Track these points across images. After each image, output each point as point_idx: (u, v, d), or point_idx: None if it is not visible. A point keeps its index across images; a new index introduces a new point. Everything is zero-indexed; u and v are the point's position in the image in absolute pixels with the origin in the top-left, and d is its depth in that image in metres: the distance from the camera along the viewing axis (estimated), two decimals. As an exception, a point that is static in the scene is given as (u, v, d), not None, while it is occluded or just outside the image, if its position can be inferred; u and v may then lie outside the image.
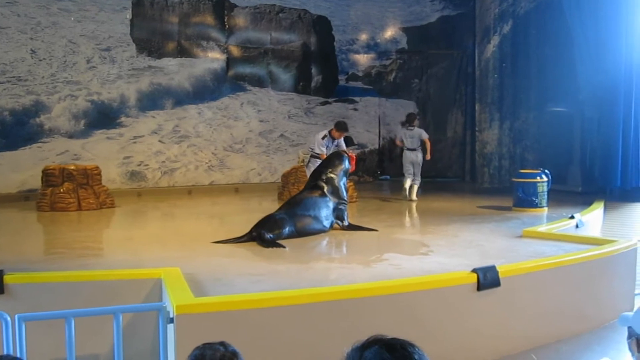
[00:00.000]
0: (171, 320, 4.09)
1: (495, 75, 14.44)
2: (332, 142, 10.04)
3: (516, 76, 14.16)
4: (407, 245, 7.56)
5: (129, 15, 14.00)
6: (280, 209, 8.20)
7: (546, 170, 10.48)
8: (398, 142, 12.44)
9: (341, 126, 10.12)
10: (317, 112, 16.27)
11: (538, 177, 10.30)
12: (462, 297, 5.14)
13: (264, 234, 7.47)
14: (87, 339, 4.40)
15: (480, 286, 5.13)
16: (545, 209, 10.21)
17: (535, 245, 7.01)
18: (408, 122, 12.28)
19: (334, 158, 8.92)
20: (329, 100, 16.51)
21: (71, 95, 13.30)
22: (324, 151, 9.84)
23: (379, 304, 4.77)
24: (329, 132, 10.10)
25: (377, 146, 16.96)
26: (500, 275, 5.26)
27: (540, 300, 5.66)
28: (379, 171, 16.99)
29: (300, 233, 7.83)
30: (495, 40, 14.35)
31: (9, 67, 12.72)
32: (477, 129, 14.89)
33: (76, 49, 13.45)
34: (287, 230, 7.70)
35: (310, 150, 10.25)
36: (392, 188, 14.76)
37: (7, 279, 4.99)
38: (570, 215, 8.80)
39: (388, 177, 16.88)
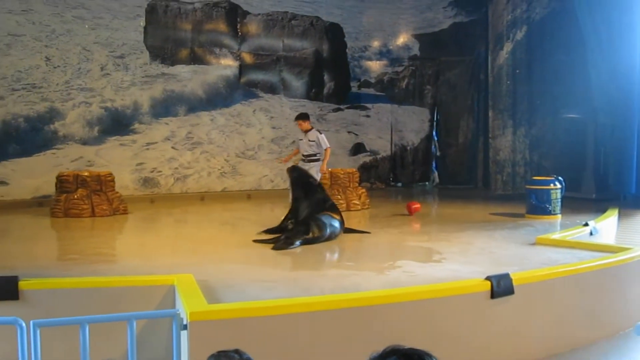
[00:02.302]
0: (185, 327, 4.10)
1: (508, 82, 14.38)
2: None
3: (529, 83, 14.09)
4: (420, 252, 7.54)
5: (142, 23, 14.08)
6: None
7: (559, 177, 10.43)
8: None
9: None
10: (329, 118, 16.28)
11: (551, 184, 10.25)
12: (475, 305, 5.11)
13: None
14: (100, 345, 4.41)
15: (494, 294, 5.10)
16: (559, 216, 10.16)
17: (548, 253, 6.98)
18: None
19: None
20: (341, 107, 16.52)
21: (85, 102, 13.39)
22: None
23: (392, 311, 4.76)
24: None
25: (389, 153, 16.93)
26: (514, 283, 5.23)
27: (554, 308, 5.63)
28: (391, 178, 16.96)
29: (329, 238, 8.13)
30: (508, 46, 14.30)
31: (24, 75, 12.83)
32: (490, 135, 14.83)
33: (90, 56, 13.55)
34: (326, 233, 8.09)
35: (312, 152, 10.19)
36: (405, 195, 14.73)
37: (22, 284, 5.02)
38: (584, 223, 8.74)
39: (400, 183, 16.86)
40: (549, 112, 13.79)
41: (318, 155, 10.19)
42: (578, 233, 8.26)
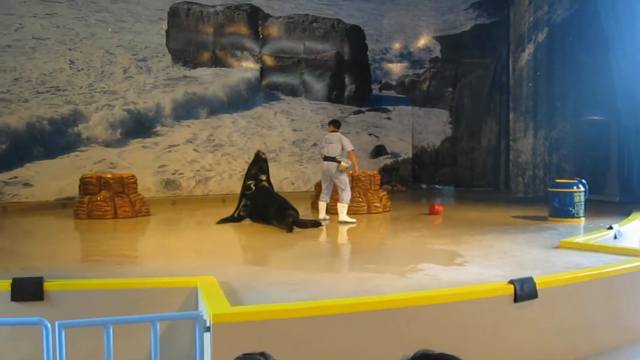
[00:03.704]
0: (208, 329, 4.11)
1: (530, 84, 14.27)
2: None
3: (551, 84, 13.97)
4: (441, 255, 7.50)
5: (164, 26, 14.20)
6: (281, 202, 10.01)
7: (583, 180, 10.32)
8: None
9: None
10: (350, 121, 16.27)
11: (575, 187, 10.14)
12: (499, 309, 5.07)
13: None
14: (123, 346, 4.44)
15: (517, 297, 5.06)
16: (582, 219, 10.05)
17: (572, 256, 6.91)
18: None
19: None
20: (362, 109, 16.51)
21: (108, 104, 13.53)
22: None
23: (414, 315, 4.74)
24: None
25: (410, 155, 16.89)
26: (537, 287, 5.18)
27: (578, 312, 5.57)
28: (411, 180, 16.91)
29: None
30: (530, 48, 14.19)
31: (48, 78, 13.00)
32: (511, 138, 14.72)
33: (113, 59, 13.69)
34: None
35: (338, 153, 10.28)
36: (426, 197, 14.67)
37: (47, 285, 5.07)
38: (608, 226, 8.65)
39: (424, 186, 16.80)
40: (570, 114, 13.67)
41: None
42: (602, 236, 8.16)
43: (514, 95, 14.73)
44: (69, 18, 13.26)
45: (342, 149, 10.26)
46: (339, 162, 10.15)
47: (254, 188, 10.51)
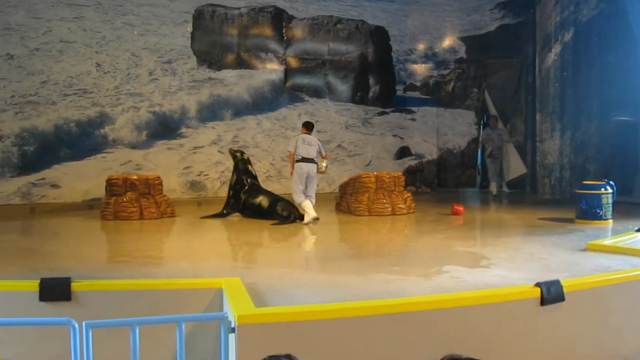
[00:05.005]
0: (232, 330, 4.13)
1: (557, 84, 14.12)
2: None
3: (578, 85, 13.83)
4: (467, 257, 7.45)
5: (189, 28, 14.29)
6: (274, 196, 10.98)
7: (611, 182, 10.19)
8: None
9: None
10: (374, 122, 16.24)
11: (602, 189, 10.02)
12: (525, 312, 5.02)
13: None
14: (149, 347, 4.48)
15: (544, 301, 5.00)
16: (610, 221, 9.93)
17: (600, 259, 6.82)
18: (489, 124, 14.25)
19: None
20: (387, 110, 16.46)
21: (134, 106, 13.65)
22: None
23: (440, 317, 4.71)
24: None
25: (435, 156, 16.81)
26: (564, 290, 5.12)
27: (606, 316, 5.50)
28: (436, 182, 16.82)
29: None
30: (556, 48, 14.05)
31: (76, 80, 13.15)
32: (537, 139, 14.58)
33: (139, 61, 13.81)
34: None
35: (316, 155, 10.72)
36: (451, 199, 14.57)
37: (74, 286, 5.13)
38: (636, 228, 8.53)
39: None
40: (598, 114, 13.52)
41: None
42: (630, 239, 8.03)
43: (541, 95, 14.59)
44: (96, 21, 13.41)
45: (318, 151, 10.64)
46: (317, 163, 10.62)
47: (247, 184, 11.14)
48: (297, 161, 10.49)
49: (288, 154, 11.08)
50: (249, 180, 11.16)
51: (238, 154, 11.47)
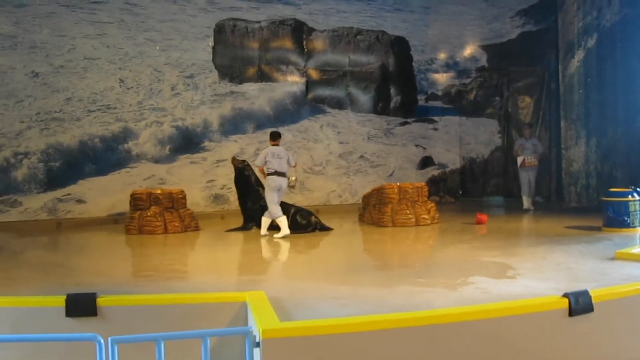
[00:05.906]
0: (257, 345, 4.11)
1: (581, 91, 13.99)
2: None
3: (602, 91, 13.68)
4: (492, 268, 7.37)
5: (211, 43, 14.41)
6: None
7: (638, 188, 10.05)
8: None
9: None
10: (396, 132, 16.20)
11: (630, 196, 9.89)
12: (553, 323, 4.94)
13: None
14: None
15: (572, 311, 4.92)
16: (638, 229, 9.78)
17: (629, 268, 6.70)
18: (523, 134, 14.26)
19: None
20: (409, 120, 16.42)
21: (157, 121, 13.77)
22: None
23: (467, 329, 4.65)
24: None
25: (458, 166, 16.71)
26: (593, 300, 5.04)
27: (636, 327, 5.39)
28: (460, 191, 16.72)
29: None
30: (579, 54, 13.93)
31: (99, 96, 13.32)
32: (562, 146, 14.43)
33: (161, 77, 13.94)
34: None
35: (287, 169, 10.50)
36: (476, 208, 14.47)
37: (100, 301, 5.15)
38: (666, 236, 8.40)
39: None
40: (623, 120, 13.36)
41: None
42: (660, 247, 7.93)
43: (565, 102, 14.45)
44: (119, 38, 13.59)
45: (287, 162, 10.43)
46: (288, 177, 10.43)
47: (261, 192, 10.94)
48: (270, 174, 10.29)
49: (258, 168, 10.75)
50: (261, 190, 11.05)
51: (246, 164, 11.52)
